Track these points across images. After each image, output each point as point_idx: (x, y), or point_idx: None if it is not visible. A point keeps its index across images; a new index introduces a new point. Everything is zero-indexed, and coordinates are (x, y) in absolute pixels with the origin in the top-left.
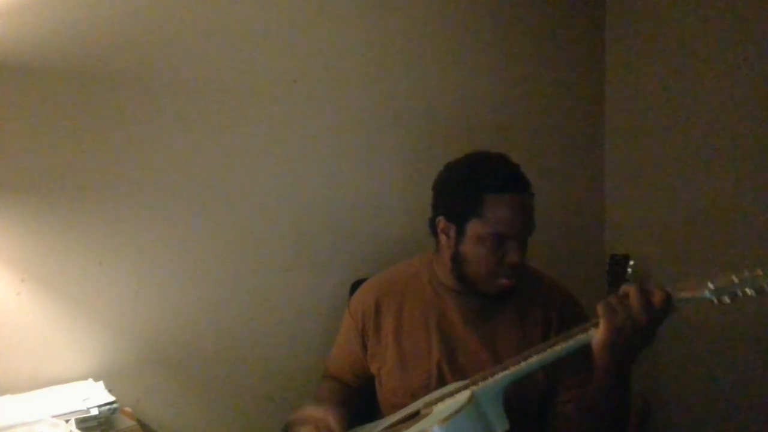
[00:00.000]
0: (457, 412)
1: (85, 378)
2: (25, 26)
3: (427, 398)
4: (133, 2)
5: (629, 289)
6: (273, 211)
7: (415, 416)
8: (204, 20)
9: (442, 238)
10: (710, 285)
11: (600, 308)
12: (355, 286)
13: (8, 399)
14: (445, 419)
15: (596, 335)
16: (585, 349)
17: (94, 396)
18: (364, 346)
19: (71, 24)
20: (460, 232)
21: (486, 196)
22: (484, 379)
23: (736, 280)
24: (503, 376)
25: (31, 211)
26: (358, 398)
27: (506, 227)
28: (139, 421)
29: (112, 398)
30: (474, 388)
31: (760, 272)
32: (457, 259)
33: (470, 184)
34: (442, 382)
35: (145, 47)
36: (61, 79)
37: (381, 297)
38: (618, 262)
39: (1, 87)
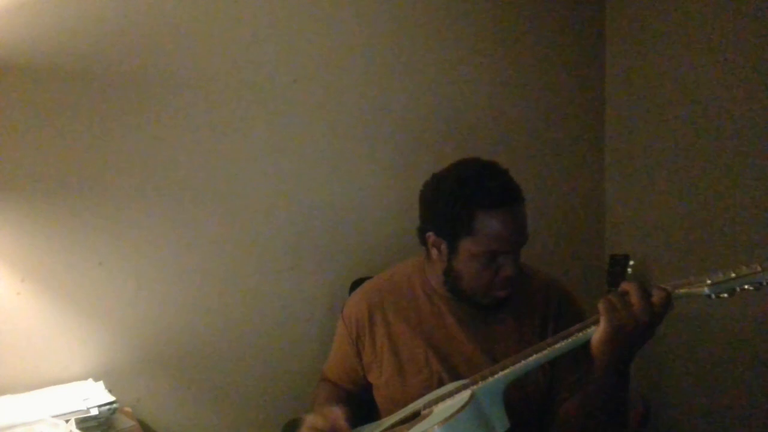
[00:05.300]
0: (457, 412)
1: (85, 378)
2: (25, 26)
3: (427, 398)
4: (133, 2)
5: (629, 287)
6: (272, 210)
7: (415, 416)
8: (204, 20)
9: (433, 251)
10: (708, 281)
11: (601, 306)
12: (355, 285)
13: (8, 399)
14: (446, 420)
15: (596, 333)
16: (584, 347)
17: (94, 396)
18: (359, 355)
19: (71, 24)
20: (452, 249)
21: (477, 214)
22: (484, 378)
23: (733, 276)
24: (503, 375)
25: (31, 211)
26: (356, 402)
27: (500, 244)
28: (139, 421)
29: (112, 398)
30: (474, 387)
31: (758, 268)
32: (450, 274)
33: (460, 202)
34: None
35: (145, 47)
36: (62, 79)
37: (373, 305)
38: (618, 262)
39: (1, 87)
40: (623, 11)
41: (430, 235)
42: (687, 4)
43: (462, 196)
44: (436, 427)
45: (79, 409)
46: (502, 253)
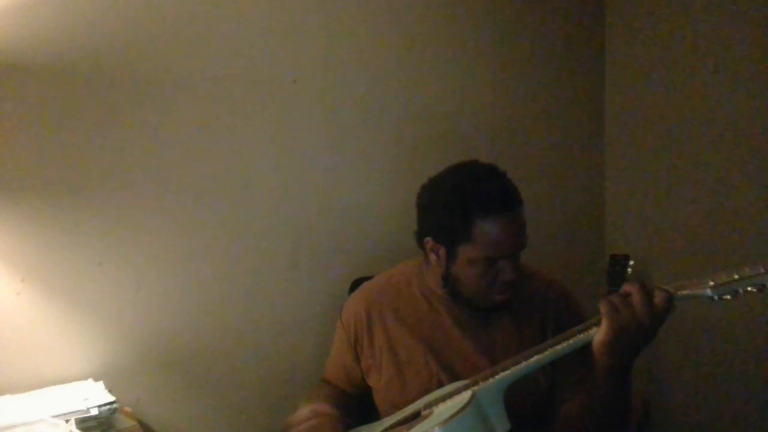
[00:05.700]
0: (458, 413)
1: (85, 378)
2: (25, 26)
3: (427, 398)
4: (133, 2)
5: (632, 288)
6: (272, 210)
7: (415, 417)
8: (203, 20)
9: (432, 256)
10: (710, 282)
11: (602, 307)
12: (355, 285)
13: (8, 399)
14: (446, 420)
15: (598, 334)
16: (585, 348)
17: (94, 396)
18: (358, 358)
19: (71, 24)
20: (451, 255)
21: (476, 221)
22: (485, 379)
23: (736, 277)
24: (504, 375)
25: (31, 211)
26: (356, 404)
27: (499, 250)
28: (139, 421)
29: (112, 398)
30: (475, 388)
31: (761, 269)
32: (449, 279)
33: (458, 208)
34: None
35: (145, 47)
36: (62, 79)
37: (372, 307)
38: (618, 262)
39: (1, 87)
40: (623, 11)
41: (428, 241)
42: (687, 4)
43: (459, 204)
44: (436, 428)
45: (79, 409)
46: (501, 258)
